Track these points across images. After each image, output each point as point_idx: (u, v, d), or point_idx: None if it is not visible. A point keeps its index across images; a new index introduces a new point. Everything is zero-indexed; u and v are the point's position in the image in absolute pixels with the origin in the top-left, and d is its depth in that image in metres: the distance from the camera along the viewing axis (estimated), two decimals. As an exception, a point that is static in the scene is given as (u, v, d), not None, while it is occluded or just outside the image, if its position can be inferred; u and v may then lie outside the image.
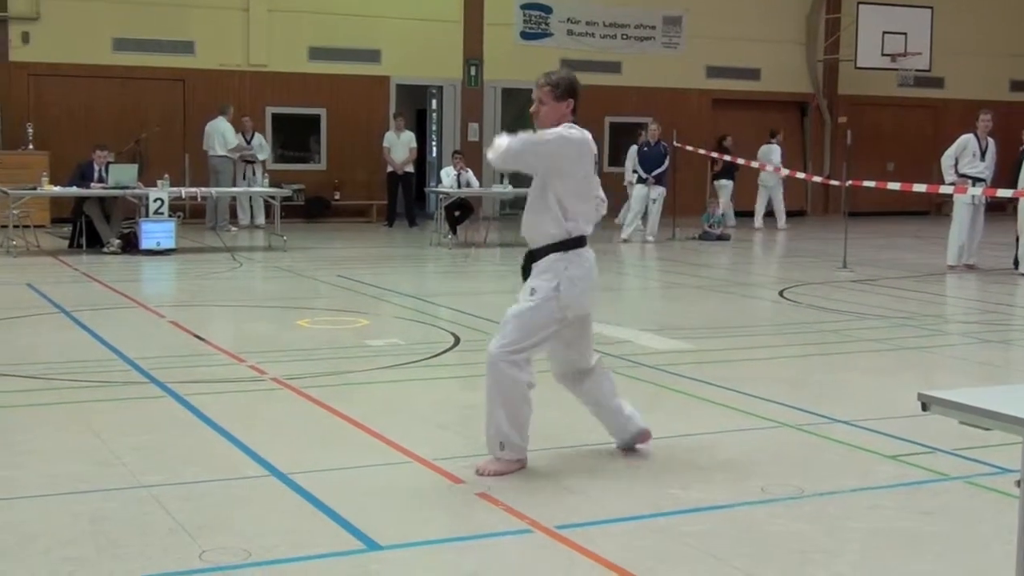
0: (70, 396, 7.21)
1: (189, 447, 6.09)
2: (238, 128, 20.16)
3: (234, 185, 19.72)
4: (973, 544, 4.82)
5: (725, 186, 21.97)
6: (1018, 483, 3.62)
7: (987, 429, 3.58)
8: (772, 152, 21.91)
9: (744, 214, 22.48)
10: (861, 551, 4.68)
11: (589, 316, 5.81)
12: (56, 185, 16.24)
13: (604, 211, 5.87)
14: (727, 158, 21.15)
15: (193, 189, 17.20)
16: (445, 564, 4.51)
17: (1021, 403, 3.54)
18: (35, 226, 16.64)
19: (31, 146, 19.48)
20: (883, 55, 24.63)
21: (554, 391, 6.21)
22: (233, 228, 19.64)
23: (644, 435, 6.03)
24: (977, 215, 15.46)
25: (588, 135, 5.62)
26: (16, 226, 15.64)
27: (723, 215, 20.41)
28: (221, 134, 19.76)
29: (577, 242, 5.61)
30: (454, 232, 17.95)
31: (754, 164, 20.64)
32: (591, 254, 5.68)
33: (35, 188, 16.12)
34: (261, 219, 20.22)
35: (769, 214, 22.42)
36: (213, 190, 17.61)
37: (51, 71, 20.29)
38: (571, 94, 5.57)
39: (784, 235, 21.16)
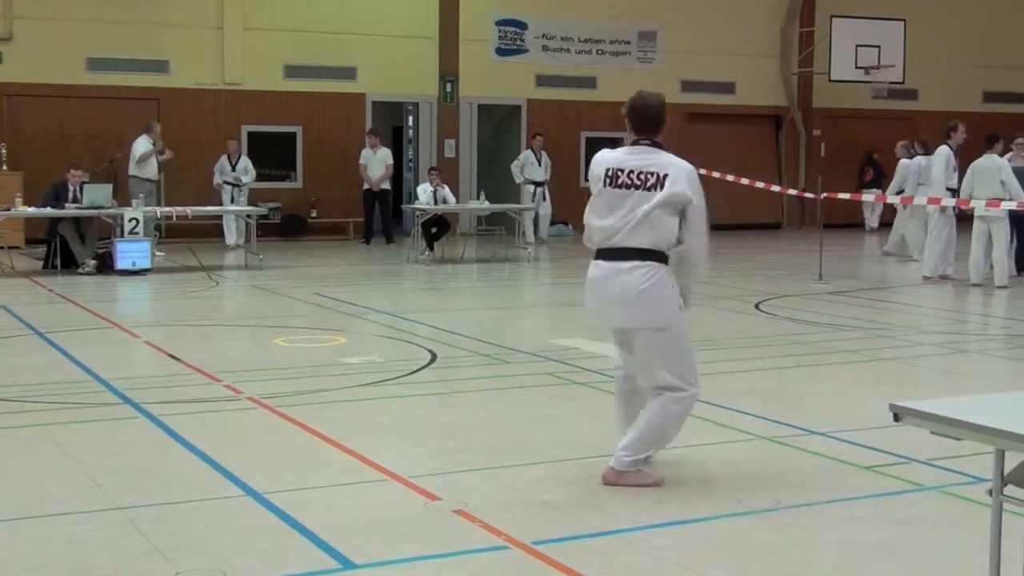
0: (44, 418, 7.17)
1: (164, 468, 6.06)
2: (224, 151, 20.08)
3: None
4: (948, 554, 4.84)
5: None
6: (990, 492, 3.64)
7: (958, 439, 3.60)
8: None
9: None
10: (837, 563, 4.70)
11: (640, 337, 5.71)
12: (30, 206, 16.15)
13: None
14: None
15: (168, 209, 17.12)
16: (421, 582, 4.50)
17: (990, 413, 3.56)
18: (9, 247, 16.56)
19: (4, 167, 19.38)
20: (857, 68, 24.75)
21: (524, 407, 6.22)
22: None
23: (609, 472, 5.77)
24: (951, 226, 15.57)
25: (604, 155, 5.84)
26: (-10, 247, 15.55)
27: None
28: (133, 151, 18.49)
29: (595, 255, 5.83)
30: (431, 248, 17.94)
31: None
32: (598, 268, 5.76)
33: (8, 209, 16.04)
34: (240, 239, 19.99)
35: None
36: (188, 210, 17.42)
37: (24, 91, 20.22)
38: (626, 116, 5.92)
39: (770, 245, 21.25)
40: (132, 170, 18.47)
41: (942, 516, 5.37)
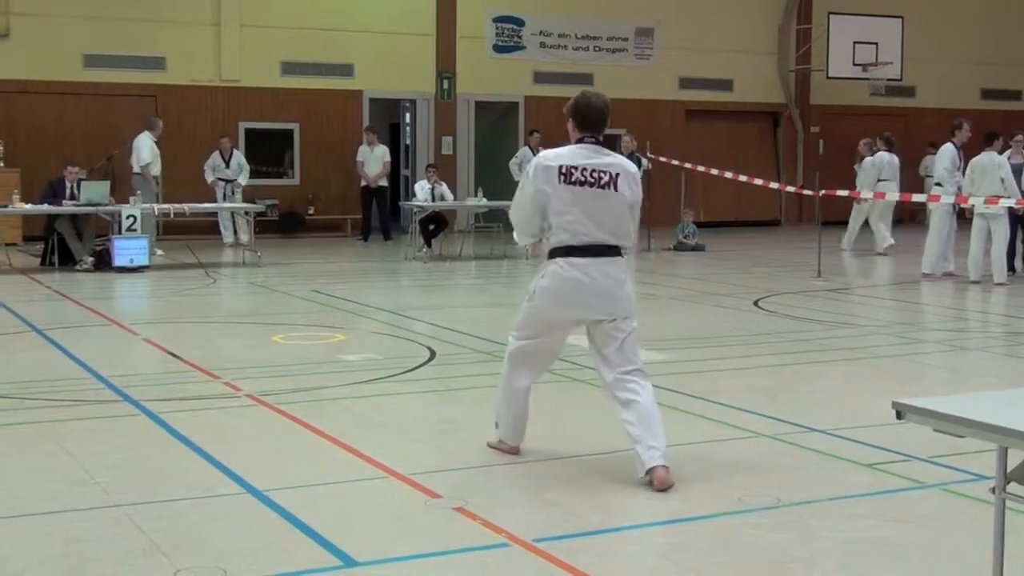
0: (43, 415, 7.15)
1: (163, 465, 6.05)
2: (217, 148, 20.00)
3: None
4: (950, 552, 4.83)
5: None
6: (993, 490, 3.63)
7: (961, 436, 3.58)
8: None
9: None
10: (838, 560, 4.68)
11: (616, 325, 5.85)
12: (27, 203, 16.14)
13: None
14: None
15: (166, 206, 17.09)
16: (422, 580, 4.48)
17: (993, 410, 3.55)
18: (6, 244, 16.55)
19: (1, 164, 19.35)
20: (854, 65, 24.74)
21: (535, 404, 6.20)
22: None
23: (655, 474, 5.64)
24: (952, 223, 15.62)
25: (553, 153, 5.89)
26: (-13, 244, 15.51)
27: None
28: (138, 150, 18.50)
29: (555, 253, 5.84)
30: (429, 245, 17.93)
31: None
32: (571, 266, 5.77)
33: (6, 206, 16.01)
34: (244, 236, 19.75)
35: None
36: (186, 206, 17.38)
37: (21, 88, 20.18)
38: (570, 114, 5.95)
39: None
40: (136, 167, 18.44)
41: (944, 514, 5.36)
